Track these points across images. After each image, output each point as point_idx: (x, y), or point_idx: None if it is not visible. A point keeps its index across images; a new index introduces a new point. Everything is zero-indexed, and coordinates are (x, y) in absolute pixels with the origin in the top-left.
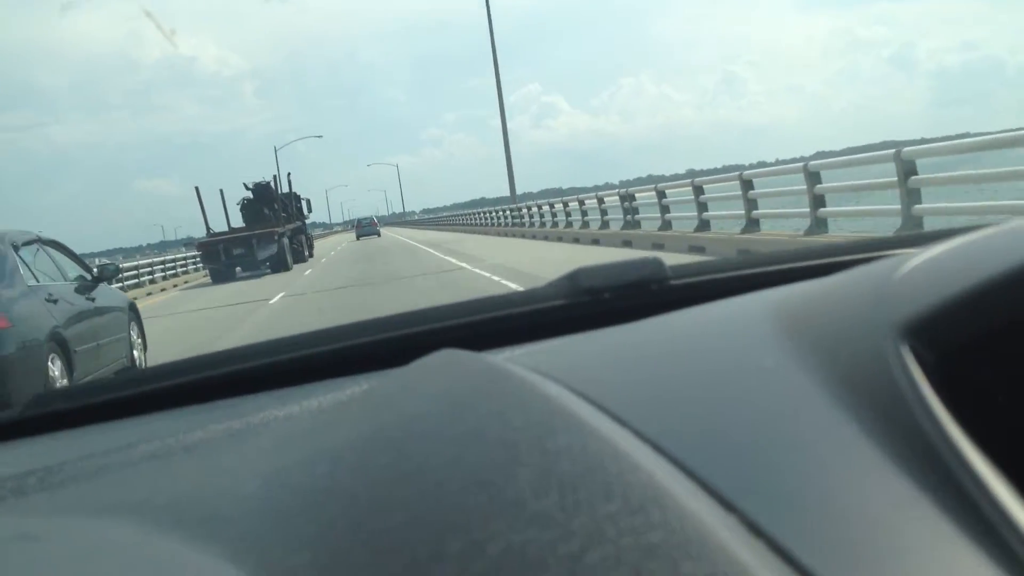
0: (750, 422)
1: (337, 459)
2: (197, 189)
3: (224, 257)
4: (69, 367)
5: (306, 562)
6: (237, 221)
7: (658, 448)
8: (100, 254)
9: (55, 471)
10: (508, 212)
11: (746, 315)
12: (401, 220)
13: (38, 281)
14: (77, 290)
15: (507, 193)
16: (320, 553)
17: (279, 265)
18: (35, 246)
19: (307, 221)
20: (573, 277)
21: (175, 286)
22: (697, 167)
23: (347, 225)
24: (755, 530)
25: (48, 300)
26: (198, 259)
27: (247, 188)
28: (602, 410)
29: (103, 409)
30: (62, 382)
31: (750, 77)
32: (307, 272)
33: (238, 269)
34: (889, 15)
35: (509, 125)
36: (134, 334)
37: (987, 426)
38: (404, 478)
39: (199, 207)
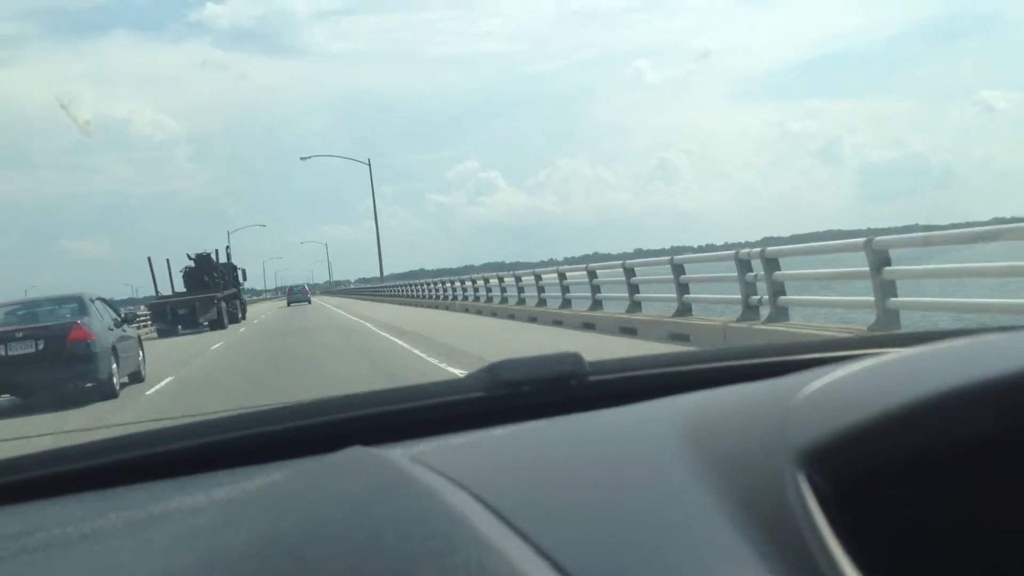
0: (649, 538)
1: (235, 564)
2: (149, 259)
3: (170, 316)
4: (118, 365)
5: None
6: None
7: (556, 565)
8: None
9: None
10: (445, 285)
11: (655, 422)
12: (335, 288)
13: (102, 319)
14: (115, 325)
15: (447, 265)
16: None
17: (216, 324)
18: (97, 300)
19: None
20: (492, 370)
21: None
22: (644, 247)
23: (277, 292)
24: None
25: (108, 329)
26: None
27: (189, 258)
28: (504, 521)
29: (5, 492)
30: (117, 371)
31: (683, 165)
32: (240, 330)
33: (179, 327)
34: (819, 111)
35: (445, 200)
36: (141, 354)
37: (880, 552)
38: None
39: (132, 271)
